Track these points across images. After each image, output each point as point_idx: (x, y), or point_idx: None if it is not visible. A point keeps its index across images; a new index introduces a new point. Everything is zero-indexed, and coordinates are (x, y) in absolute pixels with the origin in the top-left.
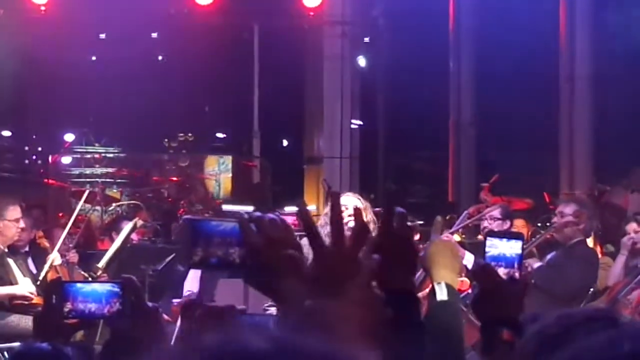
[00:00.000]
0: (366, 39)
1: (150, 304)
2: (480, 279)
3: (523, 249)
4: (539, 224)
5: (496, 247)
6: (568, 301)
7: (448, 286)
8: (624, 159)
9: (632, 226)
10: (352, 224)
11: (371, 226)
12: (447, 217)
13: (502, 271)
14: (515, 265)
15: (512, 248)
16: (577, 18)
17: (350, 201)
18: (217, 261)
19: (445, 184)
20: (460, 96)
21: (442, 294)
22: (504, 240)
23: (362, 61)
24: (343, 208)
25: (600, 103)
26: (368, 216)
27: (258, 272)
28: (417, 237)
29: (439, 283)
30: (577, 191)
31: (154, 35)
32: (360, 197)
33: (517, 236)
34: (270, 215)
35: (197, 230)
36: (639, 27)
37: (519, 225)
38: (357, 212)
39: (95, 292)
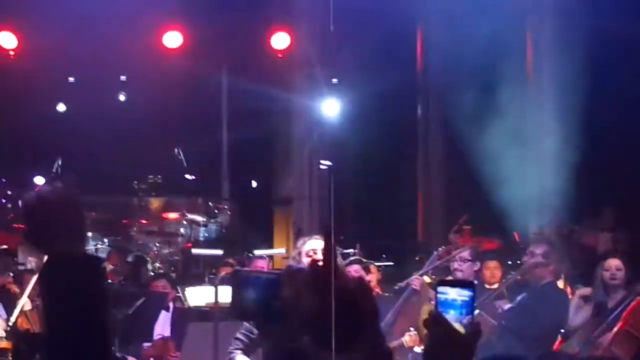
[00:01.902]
0: (335, 80)
1: (118, 354)
2: (431, 328)
3: (473, 297)
4: (509, 262)
5: (446, 294)
6: (539, 343)
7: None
8: (593, 198)
9: (613, 262)
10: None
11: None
12: (417, 258)
13: (452, 319)
14: (465, 312)
15: (463, 296)
16: (544, 55)
17: (318, 245)
18: (260, 312)
19: (415, 224)
20: (429, 136)
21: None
22: (456, 288)
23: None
24: (311, 252)
25: (568, 142)
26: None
27: (290, 322)
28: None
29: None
30: (547, 231)
31: (123, 77)
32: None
33: (468, 284)
34: (311, 267)
35: (243, 282)
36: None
37: (492, 266)
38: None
39: None
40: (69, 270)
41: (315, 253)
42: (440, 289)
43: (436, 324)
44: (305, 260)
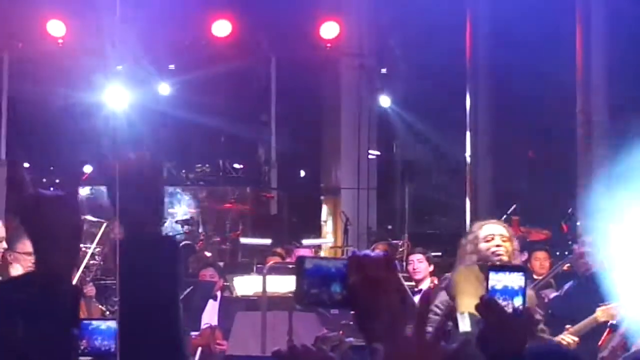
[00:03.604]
0: (383, 70)
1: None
2: (484, 314)
3: (526, 282)
4: (557, 253)
5: (500, 281)
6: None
7: (472, 316)
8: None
9: None
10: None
11: (516, 256)
12: None
13: (505, 304)
14: (520, 298)
15: (515, 281)
16: (593, 50)
17: (495, 229)
18: (325, 300)
19: (464, 214)
20: (477, 126)
21: (464, 325)
22: (507, 273)
23: (383, 100)
24: (489, 237)
25: (617, 134)
26: (514, 244)
27: (356, 310)
28: (431, 268)
29: (462, 313)
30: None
31: (171, 66)
32: (505, 226)
33: (520, 269)
34: (378, 254)
35: (307, 269)
36: None
37: (541, 257)
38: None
39: (110, 330)
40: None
41: (493, 238)
42: (493, 274)
43: (489, 309)
44: (483, 246)
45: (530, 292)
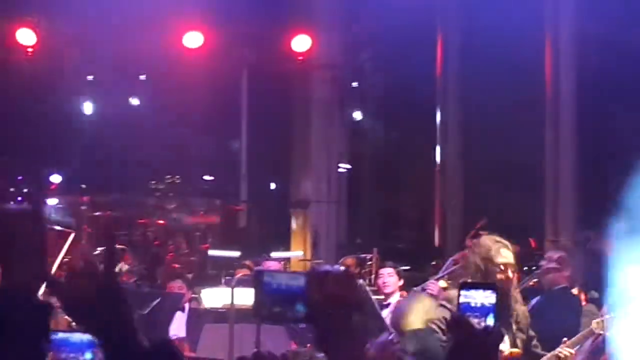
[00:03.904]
0: (354, 84)
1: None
2: (454, 331)
3: (497, 300)
4: (525, 268)
5: (470, 297)
6: (550, 347)
7: (419, 333)
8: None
9: None
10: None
11: None
12: (433, 263)
13: (476, 322)
14: (491, 315)
15: (486, 298)
16: (562, 61)
17: (510, 259)
18: (284, 315)
19: (432, 228)
20: (446, 140)
21: (414, 344)
22: (479, 290)
23: (355, 114)
24: (503, 266)
25: (584, 149)
26: None
27: (316, 327)
28: (401, 282)
29: (411, 332)
30: (562, 237)
31: (142, 77)
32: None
33: (491, 287)
34: (337, 270)
35: (266, 283)
36: (622, 69)
37: None
38: None
39: (77, 342)
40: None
41: (507, 269)
42: (464, 292)
43: (459, 327)
44: (495, 271)
45: (523, 308)
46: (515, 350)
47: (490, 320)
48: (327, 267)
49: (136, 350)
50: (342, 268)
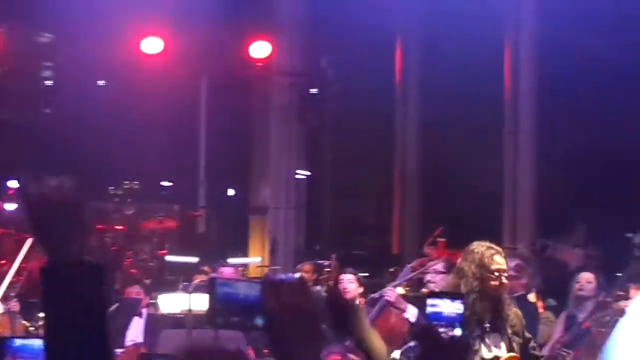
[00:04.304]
0: (313, 90)
1: None
2: (421, 340)
3: (465, 310)
4: None
5: (438, 307)
6: None
7: None
8: (566, 214)
9: (584, 275)
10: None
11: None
12: (391, 270)
13: (443, 330)
14: (457, 324)
15: (453, 307)
16: (522, 71)
17: (503, 265)
18: (239, 324)
19: (390, 235)
20: (405, 148)
21: None
22: (446, 299)
23: (314, 120)
24: (497, 272)
25: (543, 157)
26: None
27: (272, 334)
28: (361, 289)
29: None
30: (520, 245)
31: (101, 82)
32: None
33: (458, 296)
34: (292, 278)
35: (220, 291)
36: (580, 81)
37: None
38: None
39: (34, 348)
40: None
41: (501, 275)
42: (431, 301)
43: (426, 336)
44: (489, 278)
45: (515, 311)
46: (512, 354)
47: (457, 330)
48: (282, 276)
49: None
50: (297, 276)
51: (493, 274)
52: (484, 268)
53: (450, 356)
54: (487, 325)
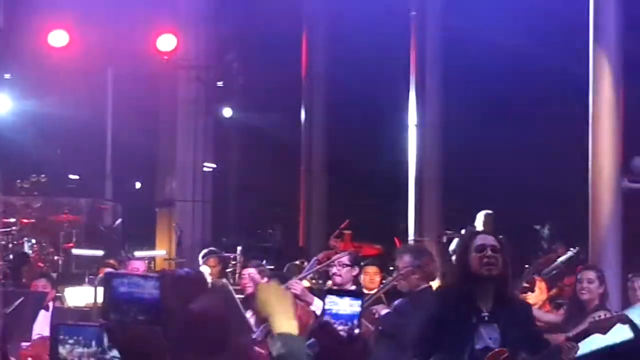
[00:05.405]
0: (220, 83)
1: None
2: (319, 337)
3: (362, 307)
4: (391, 268)
5: (336, 304)
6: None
7: (286, 337)
8: (472, 207)
9: None
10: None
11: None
12: (298, 262)
13: (341, 328)
14: (355, 322)
15: (351, 306)
16: (427, 65)
17: (487, 240)
18: (134, 319)
19: (297, 228)
20: (312, 140)
21: (278, 348)
22: (344, 298)
23: (226, 112)
24: (481, 247)
25: (448, 150)
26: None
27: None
28: (265, 280)
29: (278, 335)
30: (426, 237)
31: (7, 75)
32: (496, 237)
33: (356, 294)
34: (188, 271)
35: (116, 286)
36: (485, 75)
37: (372, 272)
38: None
39: None
40: None
41: (485, 249)
42: (330, 298)
43: (324, 333)
44: (474, 256)
45: (523, 301)
46: (501, 349)
47: (354, 327)
48: (180, 270)
49: None
50: (194, 270)
51: (477, 249)
52: (468, 248)
53: (348, 353)
54: (486, 314)
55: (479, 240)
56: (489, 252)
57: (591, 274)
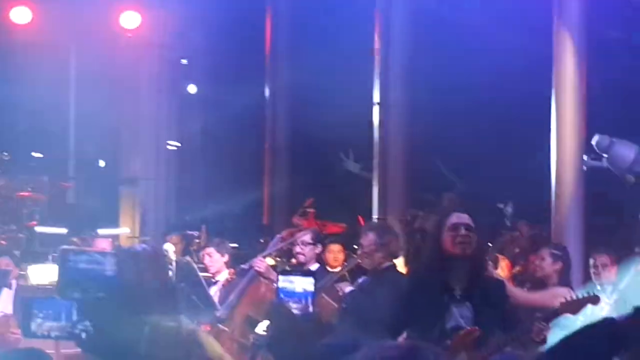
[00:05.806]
0: (184, 61)
1: None
2: (274, 318)
3: (315, 285)
4: (355, 246)
5: (290, 283)
6: (378, 326)
7: None
8: (436, 183)
9: None
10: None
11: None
12: (261, 240)
13: (295, 306)
14: (309, 300)
15: (304, 284)
16: (392, 38)
17: (461, 219)
18: (92, 295)
19: (261, 206)
20: (275, 119)
21: None
22: (297, 276)
23: (191, 88)
24: (454, 226)
25: (412, 129)
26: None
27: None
28: (225, 258)
29: None
30: (389, 216)
31: None
32: (469, 215)
33: (309, 273)
34: (145, 248)
35: (71, 263)
36: (450, 53)
37: (335, 250)
38: None
39: None
40: None
41: (458, 228)
42: (283, 278)
43: (278, 314)
44: (448, 235)
45: (499, 279)
46: (472, 328)
47: (307, 306)
48: (137, 246)
49: None
50: (150, 246)
51: (451, 228)
52: (441, 227)
53: (302, 333)
54: (458, 293)
55: (453, 218)
56: (463, 231)
57: (545, 252)
